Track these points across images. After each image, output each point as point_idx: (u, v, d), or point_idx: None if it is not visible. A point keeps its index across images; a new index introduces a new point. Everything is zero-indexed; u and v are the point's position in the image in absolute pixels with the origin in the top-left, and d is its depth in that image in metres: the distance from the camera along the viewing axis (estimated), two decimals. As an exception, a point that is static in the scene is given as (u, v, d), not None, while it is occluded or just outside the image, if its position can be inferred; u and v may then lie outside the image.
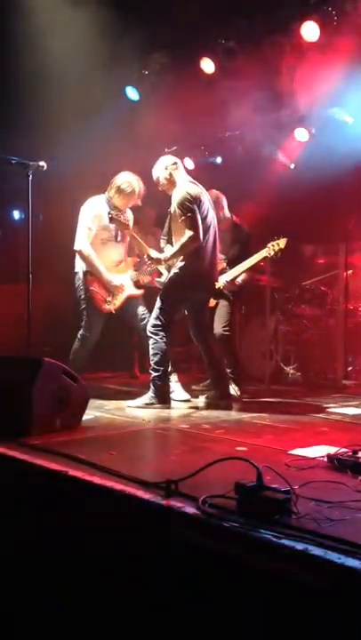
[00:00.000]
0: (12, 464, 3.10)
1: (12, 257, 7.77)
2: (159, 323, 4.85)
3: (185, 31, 6.74)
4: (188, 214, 4.73)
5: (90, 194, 5.30)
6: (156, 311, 4.90)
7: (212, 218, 4.99)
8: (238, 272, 5.56)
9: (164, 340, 4.83)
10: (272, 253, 5.47)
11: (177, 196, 4.83)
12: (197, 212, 4.77)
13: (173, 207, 4.87)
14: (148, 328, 4.90)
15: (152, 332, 4.86)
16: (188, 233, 4.73)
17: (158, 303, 4.91)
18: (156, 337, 4.84)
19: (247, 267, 5.55)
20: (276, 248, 5.45)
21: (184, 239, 4.75)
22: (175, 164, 4.99)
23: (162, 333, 4.83)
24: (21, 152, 4.95)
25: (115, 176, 5.25)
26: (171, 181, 4.95)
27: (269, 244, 5.48)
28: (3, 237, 8.50)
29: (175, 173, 4.95)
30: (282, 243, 5.45)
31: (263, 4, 6.40)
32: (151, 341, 4.85)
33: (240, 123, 7.59)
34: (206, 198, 4.99)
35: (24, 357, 4.26)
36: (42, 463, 2.96)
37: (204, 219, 4.85)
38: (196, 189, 4.90)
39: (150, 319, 4.94)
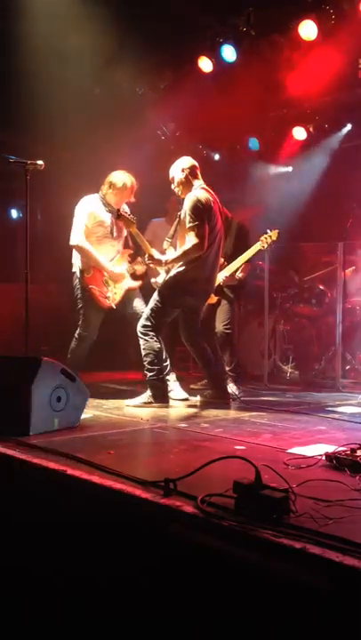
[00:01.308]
0: (11, 463, 3.10)
1: (9, 256, 7.77)
2: (149, 324, 4.83)
3: (184, 30, 6.73)
4: (196, 222, 4.68)
5: (88, 193, 5.31)
6: (147, 312, 4.88)
7: (219, 228, 4.94)
8: (236, 266, 5.59)
9: (155, 339, 4.82)
10: (265, 246, 5.56)
11: (188, 202, 4.77)
12: (206, 221, 4.72)
13: (183, 211, 4.82)
14: (138, 329, 4.87)
15: (142, 333, 4.84)
16: (193, 241, 4.68)
17: (151, 304, 4.89)
18: (145, 337, 4.82)
19: (243, 260, 5.60)
20: (269, 240, 5.56)
21: (188, 246, 4.72)
22: (192, 167, 4.93)
23: (152, 333, 4.82)
24: (20, 151, 4.95)
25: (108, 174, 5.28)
26: (185, 184, 4.90)
27: (262, 237, 5.60)
28: (0, 237, 8.49)
29: (191, 177, 4.91)
30: (274, 235, 5.58)
31: (261, 2, 6.40)
32: (142, 342, 4.84)
33: (238, 121, 7.60)
34: (217, 207, 4.92)
35: (22, 357, 4.26)
36: (40, 462, 2.96)
37: (212, 229, 4.80)
38: (208, 197, 4.81)
39: (141, 319, 4.91)
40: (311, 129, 7.52)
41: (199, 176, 4.98)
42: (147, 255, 5.04)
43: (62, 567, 2.65)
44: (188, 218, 4.73)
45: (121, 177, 5.20)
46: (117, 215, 5.07)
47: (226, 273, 5.54)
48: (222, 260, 5.58)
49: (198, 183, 4.93)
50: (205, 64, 7.05)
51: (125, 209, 5.32)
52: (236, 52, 6.75)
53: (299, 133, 7.58)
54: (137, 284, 5.37)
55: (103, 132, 7.08)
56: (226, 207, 5.83)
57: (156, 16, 6.35)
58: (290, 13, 6.26)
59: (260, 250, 5.63)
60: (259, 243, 5.60)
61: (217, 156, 8.48)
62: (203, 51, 7.02)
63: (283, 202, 7.36)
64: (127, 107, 7.71)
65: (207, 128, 7.86)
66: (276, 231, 5.61)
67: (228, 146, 8.21)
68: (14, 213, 8.99)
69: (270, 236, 5.59)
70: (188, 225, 4.73)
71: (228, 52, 6.79)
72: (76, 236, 5.12)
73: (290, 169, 8.12)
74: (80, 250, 5.15)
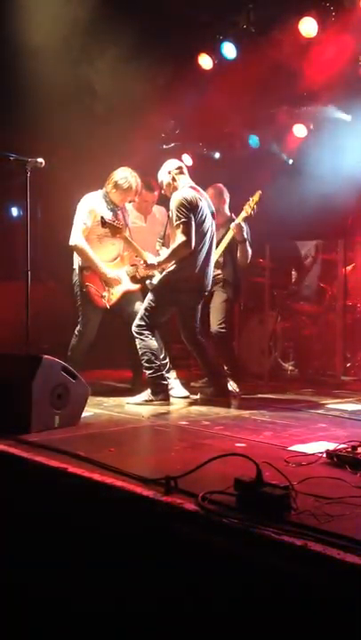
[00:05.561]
0: (12, 461, 3.10)
1: (10, 254, 7.77)
2: (143, 323, 4.86)
3: (183, 27, 6.72)
4: (183, 220, 4.74)
5: (89, 190, 5.31)
6: (141, 311, 4.91)
7: (209, 225, 4.97)
8: (223, 246, 5.55)
9: (150, 337, 4.84)
10: (250, 211, 5.56)
11: (173, 201, 4.85)
12: (192, 218, 4.77)
13: (170, 211, 4.89)
14: (133, 328, 4.89)
15: (137, 332, 4.87)
16: (181, 239, 4.74)
17: (145, 304, 4.92)
18: (140, 337, 4.85)
19: (232, 233, 5.54)
20: (252, 204, 5.55)
21: (175, 245, 4.78)
22: (179, 168, 5.03)
23: (146, 332, 4.85)
24: (20, 149, 4.94)
25: (113, 171, 5.26)
26: (173, 186, 4.98)
27: (245, 206, 5.57)
28: (1, 235, 8.48)
29: (178, 178, 4.98)
30: (256, 197, 5.56)
31: (261, -1, 6.39)
32: (137, 342, 4.86)
33: (238, 119, 7.59)
34: (206, 204, 4.97)
35: (23, 355, 4.26)
36: (41, 460, 2.96)
37: (199, 225, 4.84)
38: (194, 195, 4.88)
39: (135, 319, 4.93)
40: (311, 126, 7.50)
41: (186, 174, 5.04)
42: (141, 260, 5.07)
43: (62, 564, 2.65)
44: (174, 216, 4.80)
45: (127, 178, 5.18)
46: (102, 223, 5.01)
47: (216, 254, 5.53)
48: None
49: (186, 182, 4.98)
50: (205, 61, 7.03)
51: (129, 208, 5.32)
52: (237, 48, 6.73)
53: (299, 130, 7.57)
54: (136, 287, 5.36)
55: (103, 129, 7.07)
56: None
57: (156, 13, 6.34)
58: (290, 10, 6.24)
59: (246, 217, 5.59)
60: (243, 211, 5.58)
61: (217, 154, 8.46)
62: (203, 48, 7.00)
63: (283, 199, 7.34)
64: (127, 104, 7.69)
65: (207, 126, 7.84)
66: (258, 192, 5.57)
67: (228, 143, 8.19)
68: (14, 211, 8.99)
69: (253, 200, 5.57)
70: (174, 223, 4.79)
71: (229, 49, 6.78)
72: (75, 237, 5.13)
73: (290, 166, 8.09)
74: (77, 250, 5.16)
